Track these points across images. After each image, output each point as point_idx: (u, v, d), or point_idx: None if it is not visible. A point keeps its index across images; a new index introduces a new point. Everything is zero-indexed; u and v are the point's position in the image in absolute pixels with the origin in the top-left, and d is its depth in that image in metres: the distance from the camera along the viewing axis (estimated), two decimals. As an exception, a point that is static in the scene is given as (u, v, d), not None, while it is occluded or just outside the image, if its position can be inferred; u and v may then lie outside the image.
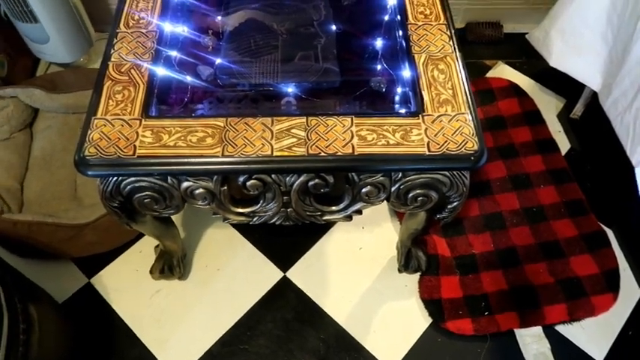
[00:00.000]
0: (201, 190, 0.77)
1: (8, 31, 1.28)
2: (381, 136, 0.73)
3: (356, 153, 0.71)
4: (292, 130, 0.73)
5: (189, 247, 1.14)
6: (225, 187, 0.77)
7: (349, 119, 0.74)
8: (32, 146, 1.27)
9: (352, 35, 0.96)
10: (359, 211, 0.83)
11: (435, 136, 0.73)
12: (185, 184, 0.76)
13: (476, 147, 0.72)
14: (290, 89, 0.88)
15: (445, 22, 0.86)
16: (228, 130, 0.73)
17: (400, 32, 0.87)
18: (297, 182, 0.76)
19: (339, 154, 0.71)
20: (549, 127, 1.32)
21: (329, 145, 0.72)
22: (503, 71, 1.45)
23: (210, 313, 1.07)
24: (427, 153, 0.71)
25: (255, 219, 0.83)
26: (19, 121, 1.25)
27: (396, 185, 0.77)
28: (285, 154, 0.71)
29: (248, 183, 0.76)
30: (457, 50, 0.82)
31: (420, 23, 0.86)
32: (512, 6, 1.49)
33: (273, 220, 0.84)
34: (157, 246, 1.09)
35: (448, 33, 0.84)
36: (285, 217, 0.83)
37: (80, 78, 1.29)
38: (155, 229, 0.93)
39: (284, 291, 1.09)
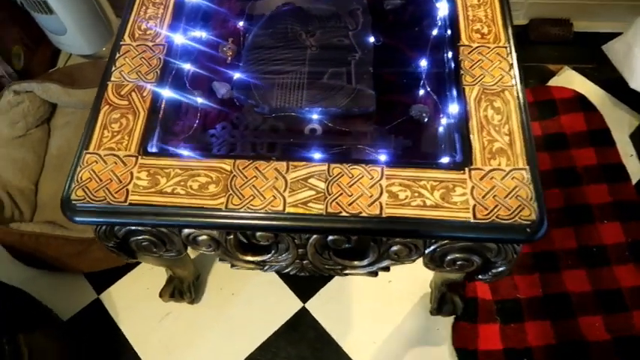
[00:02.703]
0: (204, 237, 0.67)
1: (26, 20, 1.19)
2: (416, 194, 0.60)
3: (384, 215, 0.59)
4: (310, 180, 0.61)
5: (203, 267, 1.06)
6: (232, 236, 0.67)
7: (379, 170, 0.62)
8: (49, 143, 1.21)
9: (392, 50, 0.82)
10: (386, 268, 0.71)
11: (483, 197, 0.59)
12: (187, 231, 0.66)
13: (534, 216, 0.58)
14: (315, 115, 0.76)
15: (506, 45, 0.71)
16: (236, 175, 0.62)
17: (449, 54, 0.72)
18: (313, 237, 0.65)
19: (364, 215, 0.59)
20: (619, 150, 1.14)
21: (352, 202, 0.60)
22: (569, 79, 1.26)
23: (221, 341, 0.99)
24: (472, 220, 0.58)
25: (266, 267, 0.73)
26: (35, 117, 1.18)
27: (432, 247, 0.65)
28: (300, 210, 0.60)
29: (257, 234, 0.65)
30: (519, 83, 0.67)
31: (474, 45, 0.71)
32: (584, 0, 1.29)
33: (287, 271, 0.73)
34: (167, 267, 1.01)
35: (509, 60, 0.69)
36: (300, 269, 0.73)
37: (99, 72, 1.20)
38: (162, 261, 0.85)
39: (302, 324, 1.00)
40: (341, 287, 1.03)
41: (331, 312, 1.01)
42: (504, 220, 0.58)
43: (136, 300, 1.04)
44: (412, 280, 1.03)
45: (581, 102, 1.21)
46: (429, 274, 1.02)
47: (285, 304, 1.02)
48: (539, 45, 1.32)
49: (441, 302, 0.95)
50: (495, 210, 0.58)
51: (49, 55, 1.28)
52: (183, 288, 0.98)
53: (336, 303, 1.02)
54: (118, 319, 1.02)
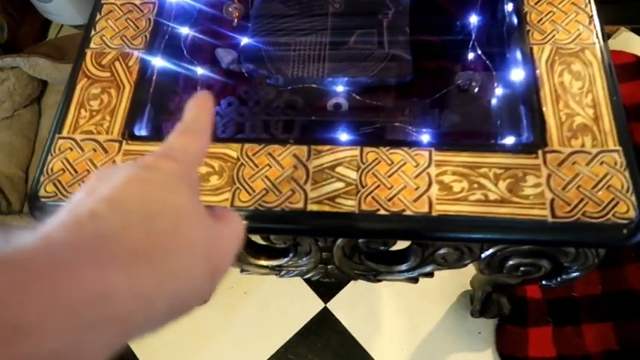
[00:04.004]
0: (207, 239, 0.54)
1: (9, -14, 1.07)
2: (476, 186, 0.46)
3: (435, 213, 0.46)
4: (337, 169, 0.48)
5: (213, 263, 0.94)
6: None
7: (426, 154, 0.48)
8: (40, 125, 1.09)
9: (432, 5, 0.67)
10: (429, 274, 0.59)
11: (563, 189, 0.46)
12: (184, 232, 0.54)
13: (632, 213, 0.44)
14: (339, 87, 0.62)
15: (583, -8, 0.56)
16: (244, 164, 0.49)
17: (509, 5, 0.58)
18: (341, 239, 0.52)
19: (408, 213, 0.46)
20: (688, 123, 0.99)
21: (393, 196, 0.47)
22: (627, 41, 1.10)
23: (233, 347, 0.88)
24: (550, 220, 0.45)
25: (283, 273, 0.61)
26: (22, 96, 1.06)
27: (491, 251, 0.52)
28: (326, 209, 0.47)
29: (271, 235, 0.53)
30: (602, 40, 0.53)
31: (542, -7, 0.56)
32: (644, -49, 1.12)
33: (309, 276, 0.61)
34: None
35: (588, 11, 0.54)
36: (324, 274, 0.60)
37: (93, 44, 1.08)
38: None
39: (324, 327, 0.88)
40: (367, 285, 0.91)
41: (356, 313, 0.89)
42: (593, 218, 0.44)
43: (137, 300, 0.93)
44: (448, 276, 0.90)
45: (642, 68, 1.05)
46: (468, 270, 0.89)
47: (304, 305, 0.90)
48: (590, 4, 1.15)
49: (485, 303, 0.83)
50: (580, 205, 0.45)
51: (38, 26, 1.15)
52: (190, 288, 0.87)
53: (362, 303, 0.90)
54: (119, 322, 0.91)
